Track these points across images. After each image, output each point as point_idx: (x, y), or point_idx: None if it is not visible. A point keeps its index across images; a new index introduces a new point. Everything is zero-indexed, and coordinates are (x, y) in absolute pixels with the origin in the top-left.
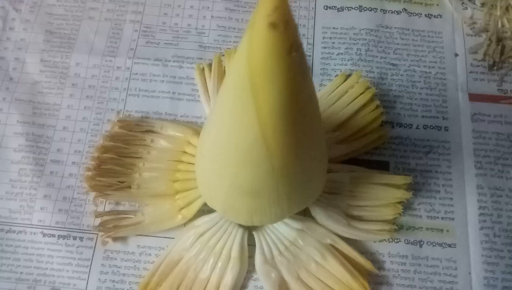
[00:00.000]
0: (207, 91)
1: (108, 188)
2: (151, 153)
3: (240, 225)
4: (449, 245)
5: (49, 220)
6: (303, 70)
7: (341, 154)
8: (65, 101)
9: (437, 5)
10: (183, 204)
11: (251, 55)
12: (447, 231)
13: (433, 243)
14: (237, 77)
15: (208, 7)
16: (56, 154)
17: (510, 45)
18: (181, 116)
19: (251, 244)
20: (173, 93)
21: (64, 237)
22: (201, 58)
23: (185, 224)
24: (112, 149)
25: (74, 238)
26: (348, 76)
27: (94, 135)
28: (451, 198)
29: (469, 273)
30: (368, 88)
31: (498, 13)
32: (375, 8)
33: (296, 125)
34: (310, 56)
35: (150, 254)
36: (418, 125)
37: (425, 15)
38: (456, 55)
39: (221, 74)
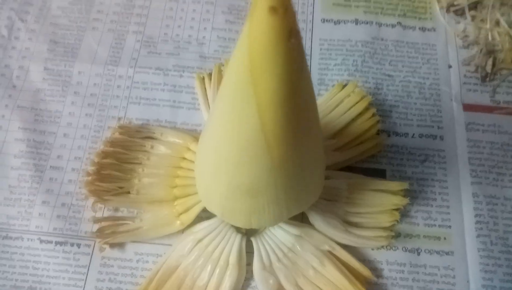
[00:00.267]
0: (207, 99)
1: (107, 193)
2: (151, 159)
3: (238, 231)
4: (447, 253)
5: (47, 226)
6: (301, 59)
7: (339, 161)
8: (67, 109)
9: (430, 19)
10: (182, 209)
11: (251, 40)
12: (444, 238)
13: (431, 251)
14: (238, 65)
15: (209, 19)
16: (56, 161)
17: (501, 57)
18: (180, 124)
19: (249, 251)
20: (173, 101)
21: (61, 243)
22: (201, 68)
23: (183, 231)
24: (112, 155)
25: (72, 244)
26: (345, 85)
27: (94, 142)
28: (447, 206)
29: (468, 281)
30: (364, 97)
31: (488, 26)
32: (370, 21)
33: (294, 116)
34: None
35: (147, 261)
36: (414, 134)
37: (419, 28)
38: (450, 66)
39: (221, 83)
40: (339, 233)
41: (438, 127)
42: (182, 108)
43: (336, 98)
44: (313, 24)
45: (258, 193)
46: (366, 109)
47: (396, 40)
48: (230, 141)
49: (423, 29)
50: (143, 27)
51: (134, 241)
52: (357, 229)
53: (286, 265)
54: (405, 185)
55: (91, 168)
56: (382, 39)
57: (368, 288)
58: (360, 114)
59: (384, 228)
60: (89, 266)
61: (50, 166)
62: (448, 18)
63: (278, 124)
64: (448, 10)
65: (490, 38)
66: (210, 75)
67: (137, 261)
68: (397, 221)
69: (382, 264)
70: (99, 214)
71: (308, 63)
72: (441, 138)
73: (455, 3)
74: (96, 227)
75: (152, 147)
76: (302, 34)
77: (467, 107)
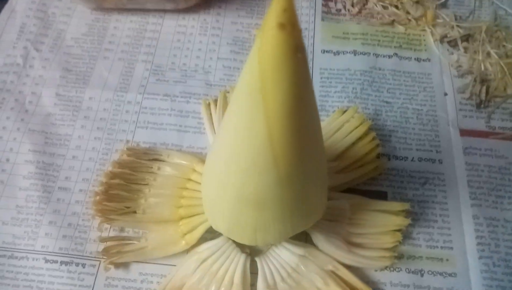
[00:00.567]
0: (212, 124)
1: (114, 212)
2: (157, 180)
3: (243, 251)
4: (450, 274)
5: (53, 246)
6: (306, 73)
7: (341, 183)
8: (76, 132)
9: (425, 50)
10: (187, 229)
11: (261, 54)
12: (447, 260)
13: (434, 272)
14: (248, 77)
15: (215, 50)
16: (64, 182)
17: (494, 85)
18: (186, 147)
19: (253, 272)
20: (180, 125)
21: (66, 263)
22: (207, 95)
23: (187, 251)
24: (120, 175)
25: (77, 264)
26: (345, 111)
27: (102, 164)
28: (448, 228)
29: None
30: (364, 121)
31: (480, 57)
32: (368, 52)
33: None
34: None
35: (151, 282)
36: (413, 158)
37: (415, 58)
38: (446, 94)
39: (226, 108)
40: (342, 253)
41: (437, 151)
42: (188, 132)
43: (337, 122)
44: (314, 55)
45: (264, 205)
46: (366, 133)
47: (393, 69)
48: (239, 153)
49: (418, 59)
50: (152, 57)
51: (138, 261)
52: (360, 249)
53: (291, 285)
54: (406, 206)
55: (99, 188)
56: (379, 69)
57: None
58: (361, 138)
59: (387, 249)
60: (93, 286)
61: (58, 187)
62: (442, 49)
63: (285, 135)
64: (441, 42)
65: (483, 68)
66: (215, 101)
67: (142, 281)
68: (400, 242)
69: (386, 285)
70: (105, 234)
71: None
72: (440, 161)
73: (448, 35)
74: (101, 246)
75: (159, 168)
76: None
77: (464, 132)
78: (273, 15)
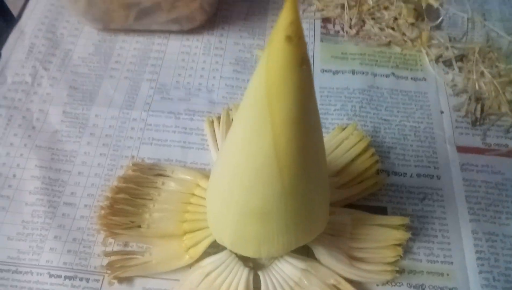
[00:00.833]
0: (216, 140)
1: (119, 227)
2: (162, 195)
3: (246, 265)
4: (451, 289)
5: (57, 261)
6: (310, 84)
7: (341, 199)
8: (82, 148)
9: (421, 70)
10: (191, 244)
11: (269, 65)
12: (447, 274)
13: (435, 287)
14: (256, 87)
15: (218, 69)
16: (69, 197)
17: (488, 104)
18: (190, 163)
19: (256, 287)
20: (184, 142)
21: (70, 278)
22: (211, 112)
23: (190, 266)
24: (125, 190)
25: (81, 279)
26: (345, 128)
27: (107, 180)
28: (448, 243)
29: None
30: (363, 138)
31: (475, 77)
32: (366, 72)
33: (305, 139)
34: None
35: None
36: (412, 174)
37: (411, 78)
38: (442, 112)
39: (229, 125)
40: (344, 267)
41: (435, 167)
42: (192, 148)
43: (337, 139)
44: (314, 74)
45: (269, 217)
46: (365, 149)
47: (390, 88)
48: (245, 164)
49: (415, 79)
50: (157, 76)
51: (142, 276)
52: (361, 263)
53: None
54: (406, 220)
55: (104, 202)
56: (377, 88)
57: None
58: (360, 154)
59: (388, 263)
60: None
61: (64, 202)
62: (438, 69)
63: (290, 145)
64: (437, 62)
65: (477, 87)
66: (218, 118)
67: None
68: (400, 257)
69: None
70: (109, 249)
71: None
72: (438, 177)
73: (443, 55)
74: (106, 261)
75: (163, 183)
76: None
77: (461, 149)
78: (280, 28)
